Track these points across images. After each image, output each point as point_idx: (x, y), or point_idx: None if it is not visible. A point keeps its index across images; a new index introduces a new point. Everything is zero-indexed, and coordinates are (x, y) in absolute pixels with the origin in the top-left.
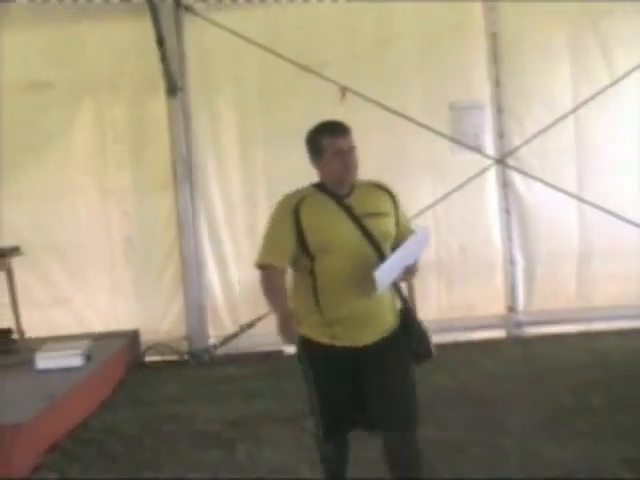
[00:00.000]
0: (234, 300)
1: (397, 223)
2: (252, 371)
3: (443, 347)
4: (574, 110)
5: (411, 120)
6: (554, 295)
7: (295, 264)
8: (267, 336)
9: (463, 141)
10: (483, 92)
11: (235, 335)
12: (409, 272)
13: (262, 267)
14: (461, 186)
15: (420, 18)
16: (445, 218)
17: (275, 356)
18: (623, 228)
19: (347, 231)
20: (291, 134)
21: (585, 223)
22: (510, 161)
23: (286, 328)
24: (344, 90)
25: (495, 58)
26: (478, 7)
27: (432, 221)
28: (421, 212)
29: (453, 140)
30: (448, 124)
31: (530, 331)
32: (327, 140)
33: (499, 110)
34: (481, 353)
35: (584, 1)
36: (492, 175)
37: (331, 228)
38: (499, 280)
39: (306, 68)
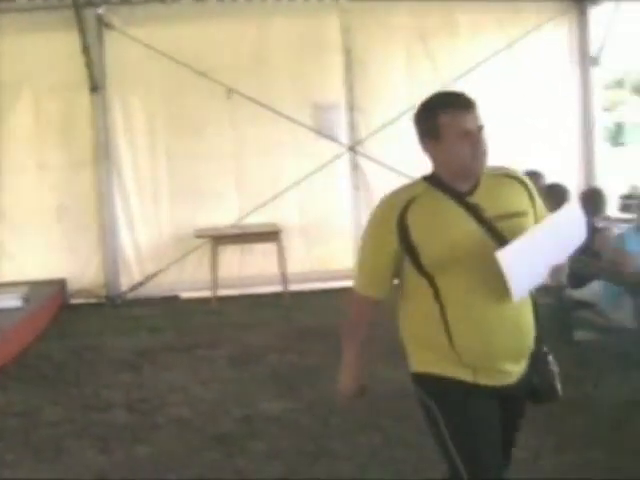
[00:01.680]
0: (141, 255)
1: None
2: (155, 311)
3: (306, 294)
4: (409, 110)
5: (283, 115)
6: None
7: (404, 285)
8: (167, 284)
9: (323, 132)
10: (339, 94)
11: (142, 283)
12: (558, 270)
13: (355, 296)
14: (320, 168)
15: (291, 35)
16: (308, 193)
17: (173, 300)
18: None
19: (475, 240)
20: (187, 124)
21: None
22: (359, 148)
23: (349, 381)
24: (230, 91)
25: (348, 67)
26: (336, 27)
27: (298, 195)
28: (288, 188)
29: (315, 131)
30: (311, 119)
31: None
32: (447, 117)
33: (351, 108)
34: (335, 298)
35: (416, 28)
36: (345, 160)
37: (452, 238)
38: (349, 241)
39: (200, 72)
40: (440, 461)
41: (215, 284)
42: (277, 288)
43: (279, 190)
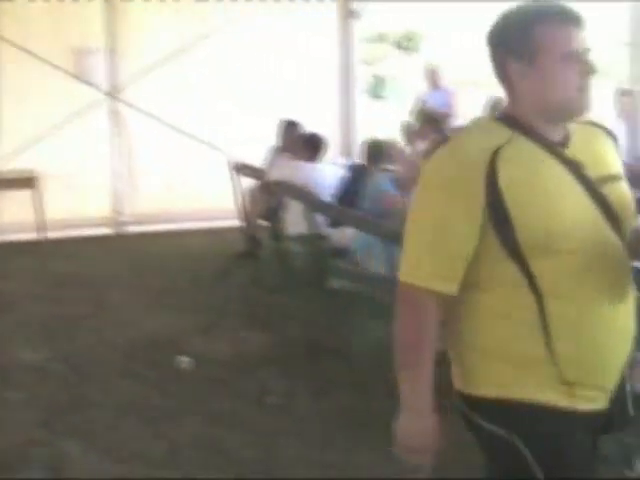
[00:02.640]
0: None
1: None
2: None
3: (65, 242)
4: (171, 56)
5: (41, 59)
6: (151, 201)
7: (473, 273)
8: None
9: (82, 78)
10: (99, 39)
11: None
12: None
13: (411, 292)
14: (79, 114)
15: None
16: (67, 139)
17: None
18: (203, 149)
19: (585, 210)
20: None
21: (175, 144)
22: (119, 95)
23: (422, 432)
24: None
25: (109, 11)
26: None
27: (56, 141)
28: (46, 134)
29: (74, 76)
30: (71, 64)
31: (132, 229)
32: (549, 32)
33: (111, 53)
34: (92, 246)
35: None
36: (105, 106)
37: (559, 206)
38: (108, 188)
39: None
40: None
41: None
42: (34, 235)
43: (36, 136)
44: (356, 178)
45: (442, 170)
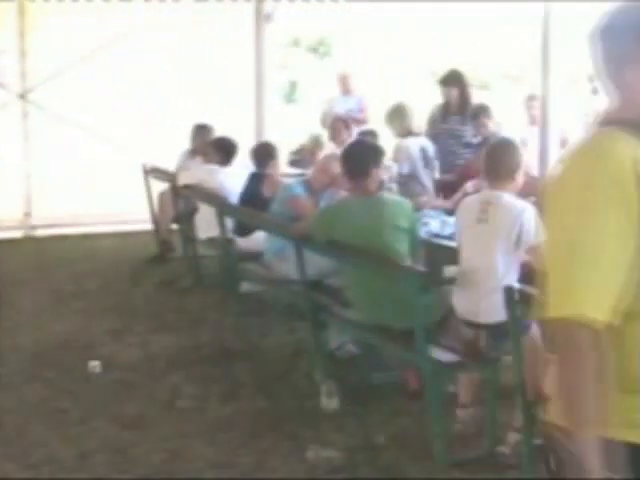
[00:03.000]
0: None
1: None
2: None
3: None
4: (84, 58)
5: None
6: (62, 204)
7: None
8: None
9: None
10: (10, 40)
11: None
12: None
13: (567, 325)
14: None
15: None
16: None
17: None
18: (117, 152)
19: None
20: None
21: (88, 147)
22: (30, 96)
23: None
24: None
25: (21, 13)
26: None
27: None
28: None
29: None
30: None
31: (42, 232)
32: None
33: (22, 55)
34: (1, 249)
35: None
36: (15, 107)
37: None
38: (18, 191)
39: None
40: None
41: None
42: None
43: None
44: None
45: (593, 184)
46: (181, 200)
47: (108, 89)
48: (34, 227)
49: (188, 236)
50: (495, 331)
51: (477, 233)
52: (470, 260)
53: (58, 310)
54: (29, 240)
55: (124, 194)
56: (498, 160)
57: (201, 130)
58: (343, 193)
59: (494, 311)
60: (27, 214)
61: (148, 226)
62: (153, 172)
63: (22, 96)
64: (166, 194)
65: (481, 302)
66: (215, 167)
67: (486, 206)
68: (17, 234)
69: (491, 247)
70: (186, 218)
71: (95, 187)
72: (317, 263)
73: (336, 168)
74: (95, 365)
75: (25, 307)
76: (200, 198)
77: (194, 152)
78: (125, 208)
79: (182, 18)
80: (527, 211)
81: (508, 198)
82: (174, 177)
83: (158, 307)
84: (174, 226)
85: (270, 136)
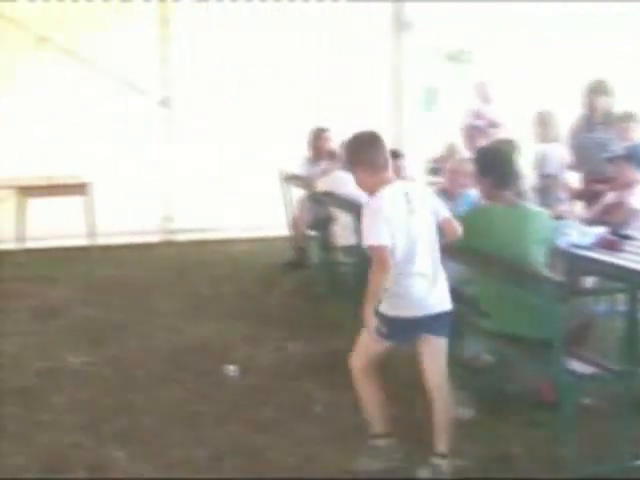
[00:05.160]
0: None
1: None
2: None
3: (115, 248)
4: (225, 67)
5: (95, 68)
6: (201, 209)
7: None
8: None
9: (136, 86)
10: (153, 48)
11: None
12: None
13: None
14: (133, 121)
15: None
16: (121, 148)
17: None
18: (254, 159)
19: None
20: None
21: (227, 154)
22: (172, 104)
23: None
24: (40, 40)
25: (164, 22)
26: None
27: (111, 148)
28: (100, 141)
29: (129, 85)
30: (126, 72)
31: (181, 237)
32: None
33: (164, 63)
34: (141, 253)
35: None
36: (158, 114)
37: None
38: (160, 196)
39: (10, 20)
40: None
41: (21, 236)
42: (85, 241)
43: (89, 142)
44: None
45: None
46: (318, 207)
47: (248, 95)
48: (173, 231)
49: (325, 243)
50: None
51: None
52: None
53: (195, 314)
54: (168, 244)
55: (262, 200)
56: None
57: (320, 133)
58: (472, 194)
59: None
60: (167, 219)
61: (285, 232)
62: (291, 179)
63: (163, 103)
64: (303, 201)
65: None
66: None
67: None
68: (157, 238)
69: None
70: (323, 225)
71: (233, 193)
72: (454, 270)
73: (465, 171)
74: (231, 369)
75: (163, 310)
76: (337, 205)
77: (316, 157)
78: (262, 214)
79: (324, 19)
80: None
81: None
82: (311, 183)
83: (293, 313)
84: (311, 233)
85: (408, 144)
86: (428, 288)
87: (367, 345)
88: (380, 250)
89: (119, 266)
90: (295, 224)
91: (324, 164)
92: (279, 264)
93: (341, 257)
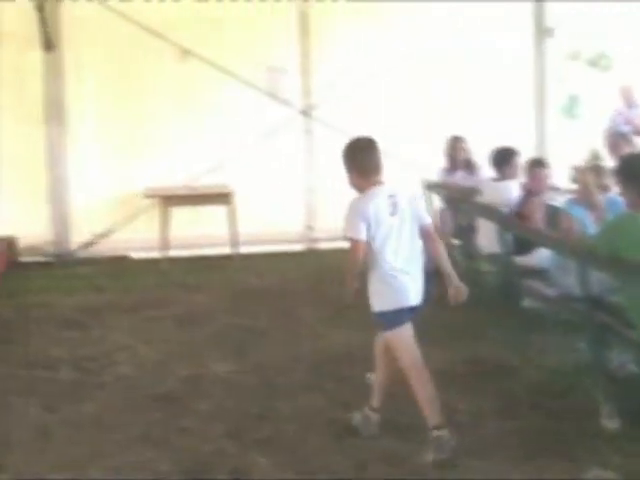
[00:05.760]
0: (92, 214)
1: None
2: (103, 270)
3: (256, 257)
4: (363, 77)
5: (236, 77)
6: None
7: None
8: (118, 244)
9: (276, 95)
10: (294, 58)
11: (91, 242)
12: None
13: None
14: (274, 131)
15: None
16: (261, 156)
17: (123, 259)
18: (398, 167)
19: None
20: (140, 84)
21: None
22: (313, 113)
23: None
24: (184, 52)
25: (304, 31)
26: None
27: (251, 158)
28: (241, 150)
29: (269, 94)
30: (265, 82)
31: (324, 245)
32: None
33: (305, 72)
34: (284, 261)
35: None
36: (299, 123)
37: None
38: (301, 205)
39: (154, 33)
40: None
41: (165, 244)
42: (228, 250)
43: (232, 152)
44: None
45: None
46: (461, 215)
47: (386, 104)
48: (315, 240)
49: (468, 251)
50: None
51: None
52: None
53: (337, 321)
54: (311, 253)
55: None
56: None
57: (455, 142)
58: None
59: None
60: (309, 227)
61: None
62: (433, 187)
63: (305, 112)
64: (445, 209)
65: None
66: (492, 182)
67: None
68: (299, 247)
69: None
70: (466, 233)
71: None
72: (600, 279)
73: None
74: (373, 377)
75: (305, 318)
76: (480, 213)
77: (452, 166)
78: None
79: (462, 29)
80: None
81: None
82: (454, 192)
83: (435, 320)
84: (454, 240)
85: (551, 151)
86: (411, 284)
87: (406, 340)
88: (355, 242)
89: (261, 274)
90: (437, 232)
91: (460, 174)
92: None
93: (484, 265)
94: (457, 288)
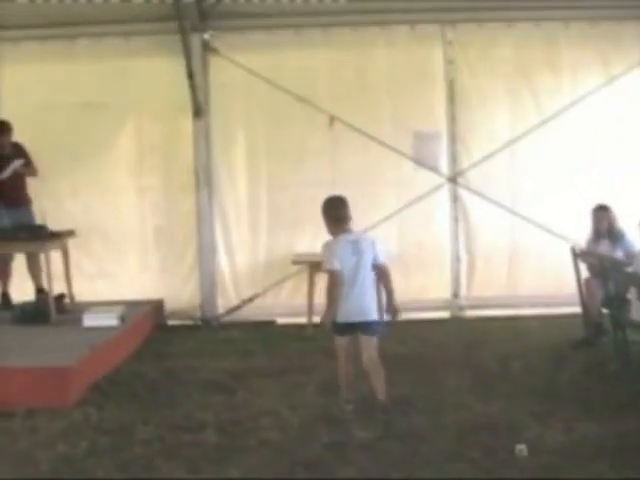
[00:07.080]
0: (239, 279)
1: None
2: (249, 335)
3: (402, 324)
4: (509, 143)
5: (383, 144)
6: (489, 285)
7: None
8: (264, 309)
9: (423, 162)
10: (441, 124)
11: (238, 307)
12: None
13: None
14: (420, 198)
15: (393, 64)
16: (407, 223)
17: (269, 324)
18: (543, 235)
19: None
20: (288, 151)
21: (514, 230)
22: (460, 180)
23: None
24: (332, 118)
25: (450, 98)
26: (439, 57)
27: (397, 225)
28: (388, 218)
29: (415, 162)
30: (412, 149)
31: (469, 313)
32: None
33: (452, 139)
34: (429, 329)
35: (519, 61)
36: (445, 190)
37: None
38: (447, 272)
39: (302, 100)
40: None
41: (311, 310)
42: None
43: (378, 219)
44: None
45: None
46: (611, 283)
47: (532, 172)
48: (462, 308)
49: (618, 320)
50: None
51: None
52: None
53: (483, 390)
54: (457, 320)
55: (551, 276)
56: None
57: (598, 212)
58: None
59: None
60: (455, 295)
61: (577, 309)
62: (581, 255)
63: (452, 179)
64: (592, 277)
65: None
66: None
67: None
68: (445, 314)
69: None
70: (616, 301)
71: (523, 269)
72: None
73: None
74: (522, 449)
75: (451, 386)
76: (631, 282)
77: (597, 236)
78: (553, 291)
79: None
80: None
81: None
82: (602, 260)
83: (583, 392)
84: (603, 310)
85: None
86: (364, 303)
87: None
88: (332, 272)
89: (406, 341)
90: (586, 301)
91: (604, 244)
92: (570, 341)
93: (635, 335)
94: (393, 308)
